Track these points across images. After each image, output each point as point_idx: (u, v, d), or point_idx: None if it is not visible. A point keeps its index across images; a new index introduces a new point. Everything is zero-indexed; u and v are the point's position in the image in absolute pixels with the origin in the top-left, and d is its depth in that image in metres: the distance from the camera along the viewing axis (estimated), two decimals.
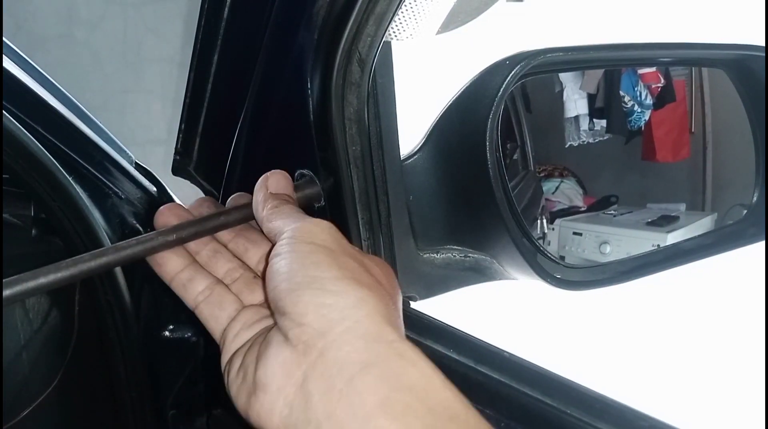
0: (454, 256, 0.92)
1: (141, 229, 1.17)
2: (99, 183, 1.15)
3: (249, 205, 0.79)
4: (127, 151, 1.20)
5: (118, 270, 1.10)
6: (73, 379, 1.20)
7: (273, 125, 0.88)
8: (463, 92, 0.89)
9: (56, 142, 1.11)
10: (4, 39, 1.13)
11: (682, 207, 2.85)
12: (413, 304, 0.88)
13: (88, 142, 1.14)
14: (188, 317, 1.18)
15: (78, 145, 1.13)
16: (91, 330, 1.17)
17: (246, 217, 0.80)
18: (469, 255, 0.92)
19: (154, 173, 1.22)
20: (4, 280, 0.68)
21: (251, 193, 0.91)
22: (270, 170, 0.91)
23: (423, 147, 0.91)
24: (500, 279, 0.93)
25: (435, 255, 0.92)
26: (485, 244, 0.90)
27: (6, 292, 0.68)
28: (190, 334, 1.19)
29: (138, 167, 1.21)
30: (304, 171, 0.83)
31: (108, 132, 1.19)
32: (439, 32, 0.84)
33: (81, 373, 1.21)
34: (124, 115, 3.29)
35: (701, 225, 2.55)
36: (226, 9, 0.91)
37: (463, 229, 0.91)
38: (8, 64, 1.11)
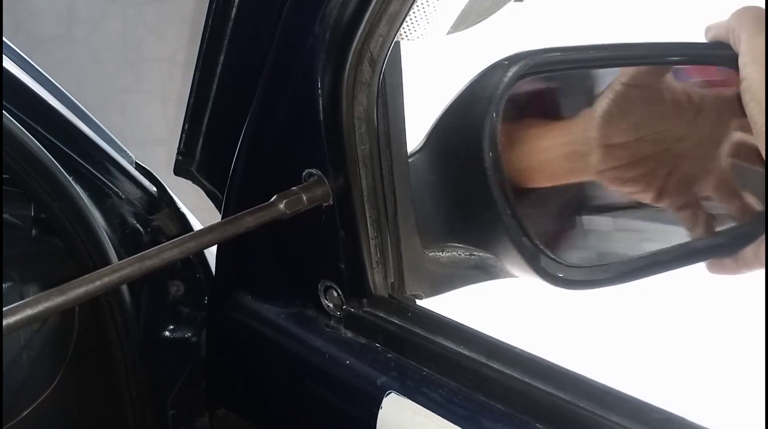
0: (459, 254, 0.93)
1: (141, 229, 1.18)
2: (99, 183, 1.15)
3: (263, 207, 0.80)
4: (127, 151, 1.20)
5: None
6: (73, 379, 1.20)
7: (281, 125, 0.88)
8: (462, 92, 0.89)
9: (56, 142, 1.11)
10: (4, 39, 1.13)
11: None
12: (419, 302, 0.89)
13: (88, 142, 1.14)
14: (188, 317, 1.19)
15: (78, 145, 1.13)
16: (91, 330, 1.17)
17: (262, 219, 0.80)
18: (474, 253, 0.93)
19: (154, 173, 1.22)
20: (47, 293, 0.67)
21: (255, 192, 0.92)
22: (277, 170, 0.92)
23: (424, 146, 0.91)
24: (506, 277, 0.94)
25: (440, 253, 0.93)
26: (486, 242, 0.91)
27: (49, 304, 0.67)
28: (190, 334, 1.19)
29: (138, 167, 1.21)
30: (313, 170, 0.84)
31: (108, 132, 1.19)
32: (449, 32, 0.85)
33: (81, 373, 1.21)
34: (124, 115, 3.28)
35: None
36: (234, 9, 0.91)
37: (465, 228, 0.92)
38: (8, 64, 1.11)
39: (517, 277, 0.93)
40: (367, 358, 0.84)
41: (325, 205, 0.84)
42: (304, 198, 0.82)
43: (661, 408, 0.64)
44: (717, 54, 0.93)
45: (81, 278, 0.70)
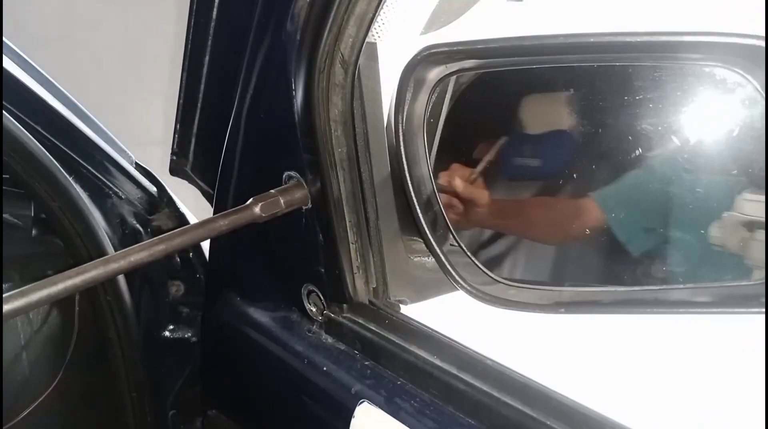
0: None
1: (141, 229, 1.17)
2: (99, 183, 1.14)
3: (238, 210, 0.79)
4: (127, 151, 1.20)
5: None
6: (73, 379, 1.20)
7: (261, 127, 0.87)
8: None
9: (56, 142, 1.11)
10: (4, 39, 1.14)
11: None
12: (403, 309, 0.88)
13: (88, 142, 1.14)
14: (188, 317, 1.19)
15: (78, 145, 1.13)
16: (91, 330, 1.17)
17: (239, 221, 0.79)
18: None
19: (154, 173, 1.21)
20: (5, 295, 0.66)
21: (242, 194, 0.91)
22: (259, 172, 0.90)
23: None
24: None
25: (426, 259, 0.91)
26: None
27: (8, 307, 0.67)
28: (189, 334, 1.19)
29: (138, 167, 1.21)
30: (292, 173, 0.82)
31: (108, 132, 1.19)
32: (423, 33, 0.83)
33: (81, 373, 1.21)
34: (124, 115, 3.30)
35: None
36: (215, 9, 0.90)
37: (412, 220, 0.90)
38: (8, 64, 1.11)
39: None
40: (345, 364, 0.83)
41: (304, 208, 0.83)
42: (282, 201, 0.81)
43: (629, 427, 0.63)
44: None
45: (42, 281, 0.69)
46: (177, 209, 1.19)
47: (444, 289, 0.92)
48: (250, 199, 0.80)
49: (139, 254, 0.73)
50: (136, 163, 1.21)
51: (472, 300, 0.84)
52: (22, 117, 1.08)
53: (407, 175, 0.83)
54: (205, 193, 1.09)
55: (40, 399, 1.17)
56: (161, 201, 1.19)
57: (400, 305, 0.87)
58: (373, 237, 0.84)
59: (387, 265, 0.86)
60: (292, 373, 0.88)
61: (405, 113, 0.82)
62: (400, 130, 0.82)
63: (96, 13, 3.77)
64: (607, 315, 0.90)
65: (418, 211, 0.84)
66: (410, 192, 0.84)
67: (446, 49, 0.81)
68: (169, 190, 1.20)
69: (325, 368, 0.83)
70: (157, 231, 1.18)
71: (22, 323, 1.15)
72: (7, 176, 1.08)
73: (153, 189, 1.19)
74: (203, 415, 1.08)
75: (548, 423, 0.65)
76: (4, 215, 1.15)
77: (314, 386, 0.84)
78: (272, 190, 0.81)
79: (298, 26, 0.75)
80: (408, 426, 0.73)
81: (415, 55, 0.81)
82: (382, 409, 0.76)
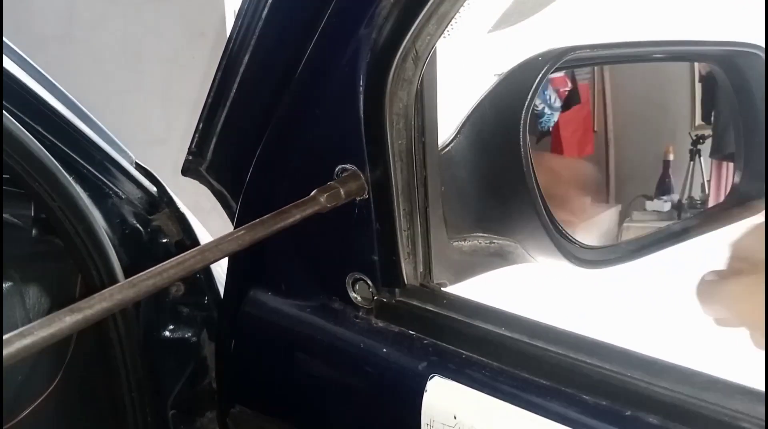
0: (480, 243, 0.98)
1: (141, 229, 1.18)
2: (99, 183, 1.15)
3: (306, 201, 0.83)
4: (127, 151, 1.21)
5: (119, 270, 1.10)
6: (73, 379, 1.19)
7: (314, 122, 0.90)
8: (496, 86, 0.94)
9: (56, 142, 1.12)
10: (4, 39, 1.13)
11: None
12: (444, 290, 0.92)
13: (88, 142, 1.15)
14: (188, 317, 1.20)
15: (78, 145, 1.14)
16: (91, 330, 1.17)
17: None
18: (495, 241, 0.98)
19: (154, 173, 1.22)
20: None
21: (280, 189, 0.95)
22: (307, 166, 0.94)
23: (455, 139, 0.96)
24: (522, 262, 0.99)
25: (463, 242, 0.97)
26: (512, 229, 0.97)
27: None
28: (190, 334, 1.20)
29: (138, 167, 1.22)
30: (347, 165, 0.86)
31: (108, 132, 1.19)
32: (490, 31, 0.88)
33: (81, 373, 1.20)
34: (124, 115, 3.23)
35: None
36: (266, 9, 0.92)
37: (492, 216, 0.98)
38: (8, 64, 1.11)
39: (533, 262, 0.97)
40: (404, 345, 0.87)
41: (358, 199, 0.87)
42: (342, 192, 0.85)
43: (704, 372, 0.68)
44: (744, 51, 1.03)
45: (146, 272, 0.71)
46: (177, 209, 1.21)
47: (478, 270, 1.00)
48: (314, 191, 0.83)
49: (230, 244, 0.76)
50: (136, 163, 1.22)
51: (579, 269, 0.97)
52: (22, 117, 1.08)
53: (531, 167, 0.92)
54: (216, 193, 1.10)
55: (40, 399, 1.16)
56: (161, 201, 1.21)
57: (441, 287, 0.92)
58: (422, 224, 0.89)
59: (432, 250, 0.91)
60: (346, 358, 0.92)
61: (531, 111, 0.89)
62: (527, 125, 0.91)
63: (96, 13, 3.69)
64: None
65: (543, 202, 0.93)
66: (533, 183, 0.92)
67: (589, 52, 0.89)
68: (169, 191, 1.21)
69: (384, 350, 0.87)
70: (158, 231, 1.19)
71: (22, 323, 1.14)
72: (7, 176, 1.07)
73: (153, 189, 1.20)
74: (225, 413, 1.08)
75: (629, 374, 0.71)
76: (4, 215, 1.14)
77: (375, 368, 0.88)
78: (331, 182, 0.85)
79: (376, 25, 0.80)
80: (484, 393, 0.78)
81: (560, 53, 0.88)
82: (455, 381, 0.80)
